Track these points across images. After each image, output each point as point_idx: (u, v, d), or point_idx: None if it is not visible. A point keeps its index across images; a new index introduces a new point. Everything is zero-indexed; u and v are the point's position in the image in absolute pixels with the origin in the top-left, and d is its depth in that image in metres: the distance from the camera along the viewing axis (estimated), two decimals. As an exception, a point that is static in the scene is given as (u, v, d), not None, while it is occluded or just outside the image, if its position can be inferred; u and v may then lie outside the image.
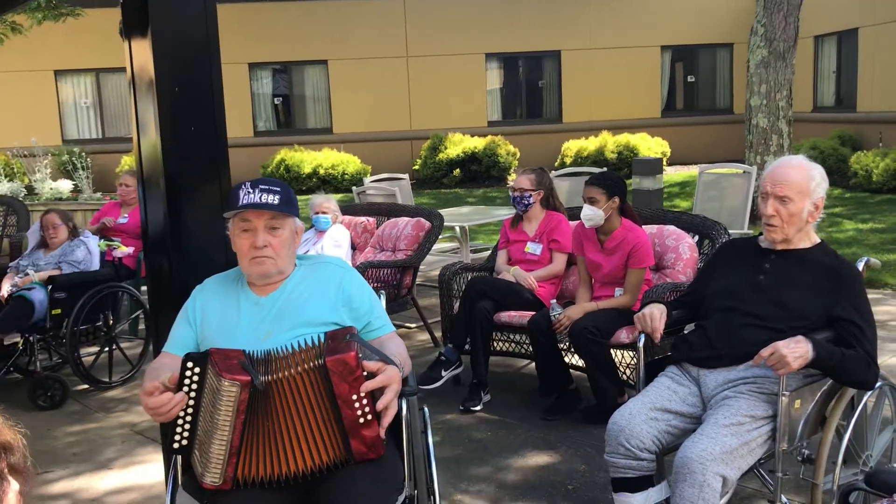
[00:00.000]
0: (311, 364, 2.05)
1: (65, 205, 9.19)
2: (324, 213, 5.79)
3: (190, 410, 2.09)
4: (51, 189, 9.87)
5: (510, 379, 4.97)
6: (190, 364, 2.07)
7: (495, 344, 4.78)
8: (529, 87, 17.40)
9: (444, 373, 4.53)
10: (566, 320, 4.12)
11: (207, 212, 2.87)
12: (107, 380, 5.14)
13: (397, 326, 6.13)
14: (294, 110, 16.98)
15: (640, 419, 2.55)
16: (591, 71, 16.90)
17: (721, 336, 2.66)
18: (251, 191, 2.30)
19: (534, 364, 5.04)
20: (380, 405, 2.06)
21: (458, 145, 15.06)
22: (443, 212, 7.07)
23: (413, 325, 6.16)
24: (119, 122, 16.34)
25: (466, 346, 4.53)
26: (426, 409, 2.56)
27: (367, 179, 7.35)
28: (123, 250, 5.66)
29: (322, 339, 2.12)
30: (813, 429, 2.64)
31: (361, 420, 2.05)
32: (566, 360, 4.40)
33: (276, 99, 16.96)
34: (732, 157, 14.30)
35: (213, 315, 2.38)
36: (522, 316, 4.43)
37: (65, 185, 10.01)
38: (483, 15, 16.55)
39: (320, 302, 2.36)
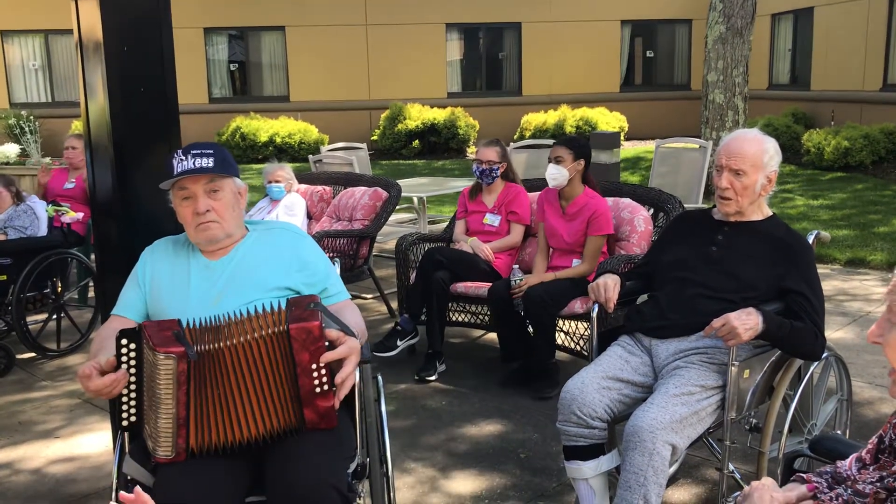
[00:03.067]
0: (273, 330, 2.01)
1: (11, 169, 8.93)
2: (277, 181, 5.72)
3: (133, 387, 2.05)
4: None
5: (466, 349, 4.99)
6: (124, 341, 2.02)
7: (451, 314, 4.78)
8: (489, 59, 17.31)
9: (399, 342, 4.53)
10: (526, 286, 4.14)
11: (157, 177, 2.77)
12: (55, 348, 5.04)
13: (354, 297, 6.12)
14: (250, 77, 16.68)
15: (592, 388, 2.57)
16: (551, 44, 16.87)
17: (673, 306, 2.68)
18: (184, 158, 2.25)
19: (490, 334, 5.07)
20: (338, 378, 2.04)
21: (418, 116, 14.95)
22: (401, 182, 7.02)
23: (369, 296, 6.13)
24: (69, 86, 15.88)
25: (423, 317, 4.53)
26: (380, 377, 2.55)
27: (325, 148, 7.26)
28: (72, 216, 5.52)
29: (283, 306, 2.09)
30: (761, 398, 2.69)
31: (318, 390, 2.03)
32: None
33: (231, 65, 16.63)
34: (689, 132, 14.43)
35: (162, 278, 2.33)
36: (479, 287, 4.43)
37: (12, 149, 9.71)
38: (444, -16, 16.39)
39: (274, 266, 2.32)
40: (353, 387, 2.28)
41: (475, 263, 4.58)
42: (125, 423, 2.06)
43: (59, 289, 5.12)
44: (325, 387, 2.03)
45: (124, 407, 2.05)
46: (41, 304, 5.08)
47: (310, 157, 6.86)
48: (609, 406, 2.58)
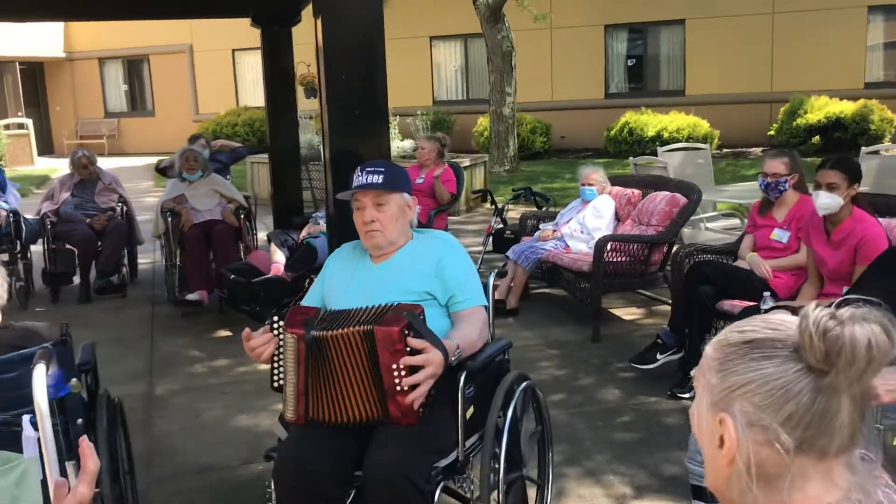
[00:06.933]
0: (365, 327, 2.31)
1: (406, 162, 10.26)
2: (590, 184, 5.91)
3: (281, 357, 2.49)
4: (397, 147, 11.07)
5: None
6: (276, 318, 2.47)
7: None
8: (924, 43, 15.09)
9: (659, 356, 4.44)
10: (781, 316, 3.80)
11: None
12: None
13: (655, 302, 6.04)
14: (647, 72, 16.73)
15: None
16: None
17: None
18: (360, 174, 2.62)
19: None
20: (406, 381, 2.26)
21: (820, 110, 13.68)
22: (734, 187, 6.67)
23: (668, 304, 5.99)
24: (480, 86, 17.38)
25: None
26: (520, 388, 2.66)
27: (661, 150, 7.17)
28: (416, 208, 6.30)
29: (386, 307, 2.36)
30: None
31: (398, 388, 2.27)
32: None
33: (629, 60, 16.85)
34: None
35: (336, 276, 2.76)
36: (747, 306, 4.15)
37: (408, 144, 11.15)
38: (868, -39, 14.67)
39: (417, 272, 2.61)
40: (457, 389, 2.47)
41: (748, 281, 4.30)
42: (275, 384, 2.52)
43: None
44: (405, 387, 2.26)
45: (274, 373, 2.52)
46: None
47: (630, 158, 6.87)
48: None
